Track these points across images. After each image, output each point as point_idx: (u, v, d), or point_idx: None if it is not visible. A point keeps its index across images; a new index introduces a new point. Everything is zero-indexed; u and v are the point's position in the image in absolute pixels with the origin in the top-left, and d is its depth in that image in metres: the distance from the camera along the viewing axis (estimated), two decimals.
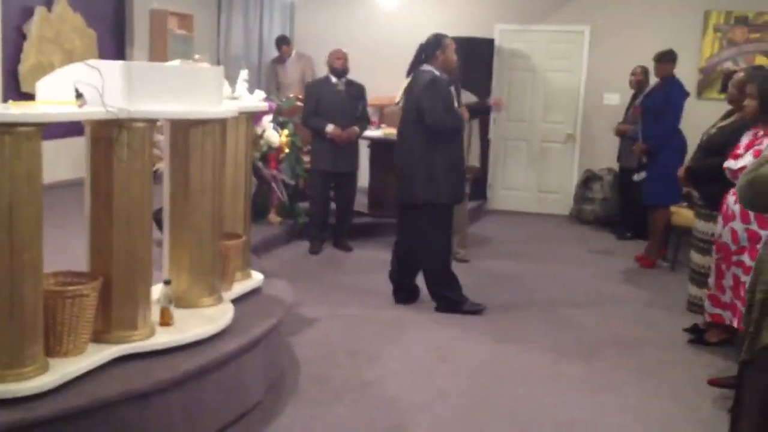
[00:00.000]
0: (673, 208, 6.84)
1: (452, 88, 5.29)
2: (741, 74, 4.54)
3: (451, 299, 5.35)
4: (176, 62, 3.74)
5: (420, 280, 5.52)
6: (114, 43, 8.57)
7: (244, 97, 4.56)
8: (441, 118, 5.11)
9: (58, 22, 7.42)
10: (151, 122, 3.19)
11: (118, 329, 3.19)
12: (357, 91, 6.92)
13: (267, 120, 5.05)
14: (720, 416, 3.83)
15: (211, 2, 10.23)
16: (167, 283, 3.47)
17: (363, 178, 8.04)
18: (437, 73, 5.16)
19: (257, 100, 4.64)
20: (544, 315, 5.48)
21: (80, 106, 2.93)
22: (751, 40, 8.62)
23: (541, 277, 6.53)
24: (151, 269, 3.32)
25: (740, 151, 3.93)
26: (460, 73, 6.17)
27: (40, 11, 7.18)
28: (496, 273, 6.58)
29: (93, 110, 2.94)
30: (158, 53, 8.73)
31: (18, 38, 7.02)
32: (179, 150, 3.61)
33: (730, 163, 3.94)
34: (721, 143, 4.37)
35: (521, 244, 7.89)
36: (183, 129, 3.58)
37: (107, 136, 3.06)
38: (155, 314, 3.41)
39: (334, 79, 6.83)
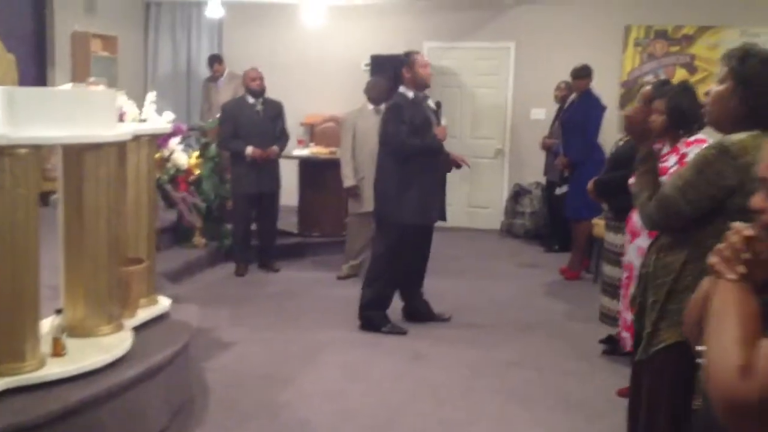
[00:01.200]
0: (594, 221, 6.93)
1: (428, 106, 5.29)
2: (648, 87, 4.61)
3: (373, 319, 5.33)
4: (67, 86, 3.68)
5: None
6: (35, 67, 8.40)
7: (152, 119, 4.51)
8: (402, 143, 5.10)
9: None
10: (36, 148, 3.11)
11: (4, 362, 3.09)
12: (275, 110, 6.89)
13: (175, 142, 4.99)
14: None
15: (137, 23, 10.13)
16: (59, 312, 3.38)
17: (293, 197, 8.01)
18: (410, 94, 5.17)
19: (165, 122, 4.58)
20: (464, 330, 5.50)
21: None
22: (670, 54, 8.82)
23: (467, 293, 6.55)
24: (39, 298, 3.23)
25: None
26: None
27: None
28: (424, 288, 6.57)
29: None
30: (81, 76, 8.57)
31: None
32: (73, 175, 3.53)
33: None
34: (628, 156, 4.42)
35: (450, 259, 7.90)
36: (76, 154, 3.51)
37: None
38: (47, 345, 3.33)
39: (251, 100, 6.79)
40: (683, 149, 3.81)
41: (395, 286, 5.46)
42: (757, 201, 1.45)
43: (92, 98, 3.57)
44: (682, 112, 3.83)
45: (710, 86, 2.54)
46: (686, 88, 4.04)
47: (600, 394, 4.33)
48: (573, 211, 7.01)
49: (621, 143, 4.86)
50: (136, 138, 3.98)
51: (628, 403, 2.86)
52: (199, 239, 6.98)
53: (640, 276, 2.80)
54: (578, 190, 6.85)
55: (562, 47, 8.96)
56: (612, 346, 4.94)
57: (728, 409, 1.26)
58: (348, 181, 6.57)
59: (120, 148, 3.78)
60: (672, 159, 3.84)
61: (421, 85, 5.24)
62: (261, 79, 6.75)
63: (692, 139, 3.80)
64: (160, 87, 9.54)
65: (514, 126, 9.45)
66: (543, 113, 9.00)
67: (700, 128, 3.84)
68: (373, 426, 3.88)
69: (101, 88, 3.84)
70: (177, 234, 6.95)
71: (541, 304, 6.29)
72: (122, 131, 3.71)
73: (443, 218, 5.52)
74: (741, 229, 1.42)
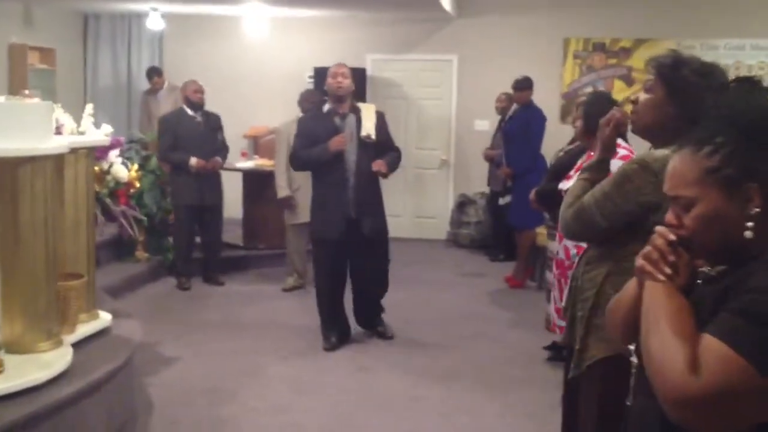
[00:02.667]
0: (538, 230, 7.02)
1: (337, 119, 5.13)
2: (582, 98, 4.72)
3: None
4: (1, 98, 3.59)
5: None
6: None
7: (90, 131, 4.43)
8: (291, 155, 5.36)
9: None
10: None
11: None
12: (215, 122, 6.87)
13: (114, 155, 4.93)
14: None
15: (76, 36, 9.95)
16: None
17: (236, 209, 7.95)
18: (326, 107, 5.21)
19: (103, 135, 4.51)
20: (409, 340, 5.52)
21: None
22: (609, 66, 9.01)
23: (412, 303, 6.56)
24: None
25: (572, 172, 4.07)
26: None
27: None
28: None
29: None
30: (18, 89, 8.39)
31: None
32: (6, 189, 3.44)
33: (563, 184, 4.07)
34: (564, 166, 4.51)
35: (396, 270, 7.88)
36: (10, 167, 3.42)
37: None
38: None
39: (190, 112, 6.73)
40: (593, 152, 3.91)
41: (327, 301, 5.33)
42: (669, 218, 1.48)
43: (27, 110, 3.49)
44: (595, 118, 3.93)
45: (637, 93, 2.51)
46: (602, 95, 4.16)
47: (546, 400, 4.37)
48: (517, 220, 7.10)
49: (561, 153, 4.95)
50: (74, 151, 3.92)
51: (561, 417, 2.86)
52: (141, 253, 6.88)
53: (570, 288, 2.80)
54: (522, 199, 6.92)
55: (503, 60, 9.08)
56: (556, 353, 5.00)
57: (679, 404, 1.29)
58: (282, 191, 6.56)
59: (57, 161, 3.71)
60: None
61: (332, 96, 5.15)
62: (202, 91, 6.71)
63: None
64: (100, 99, 9.41)
65: (459, 137, 9.54)
66: (486, 124, 9.09)
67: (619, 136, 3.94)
68: None
69: (36, 100, 3.75)
70: (118, 248, 6.84)
71: (485, 313, 6.34)
72: (58, 144, 3.64)
73: (372, 232, 5.20)
74: (665, 233, 1.46)
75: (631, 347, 1.54)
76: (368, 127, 5.09)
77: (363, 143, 5.09)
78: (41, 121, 3.53)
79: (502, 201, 7.33)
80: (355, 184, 5.09)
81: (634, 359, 1.60)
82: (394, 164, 5.30)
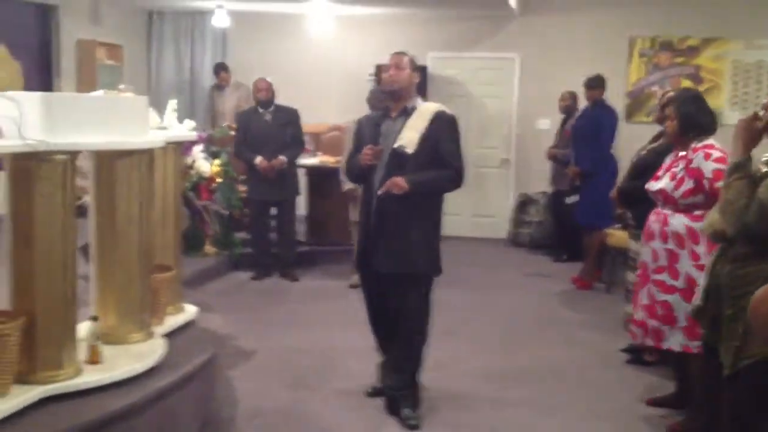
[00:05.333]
0: (607, 230, 6.94)
1: (387, 122, 4.02)
2: (670, 94, 4.64)
3: None
4: (99, 93, 3.65)
5: None
6: (40, 74, 8.35)
7: (173, 126, 4.48)
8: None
9: None
10: (73, 154, 3.09)
11: (42, 369, 3.06)
12: (286, 118, 6.92)
13: (197, 150, 4.97)
14: None
15: (141, 32, 10.09)
16: (94, 319, 3.35)
17: (301, 206, 7.98)
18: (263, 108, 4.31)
19: (186, 130, 4.55)
20: (477, 342, 5.47)
21: None
22: (675, 64, 8.87)
23: (475, 303, 6.52)
24: (76, 306, 3.20)
25: (660, 173, 4.01)
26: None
27: None
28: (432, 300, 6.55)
29: (10, 143, 2.83)
30: (86, 84, 8.53)
31: None
32: (104, 182, 3.51)
33: (651, 185, 4.01)
34: (647, 165, 4.45)
35: (457, 269, 7.82)
36: (108, 160, 3.48)
37: (26, 169, 2.96)
38: (83, 352, 3.29)
39: (260, 109, 6.86)
40: (690, 155, 3.84)
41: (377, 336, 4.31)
42: None
43: (125, 105, 3.54)
44: (690, 117, 3.86)
45: None
46: (696, 95, 4.08)
47: (627, 404, 4.31)
48: (585, 220, 7.01)
49: (644, 152, 4.88)
50: (163, 146, 3.96)
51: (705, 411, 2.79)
52: (210, 248, 6.95)
53: (708, 288, 2.74)
54: (591, 199, 6.88)
55: (567, 58, 9.00)
56: (636, 355, 4.93)
57: None
58: (346, 184, 6.54)
59: (148, 155, 3.76)
60: (680, 165, 3.87)
61: (385, 90, 4.10)
62: (267, 89, 6.81)
63: (700, 144, 3.83)
64: (164, 95, 9.50)
65: (520, 136, 9.47)
66: (548, 123, 9.02)
67: (708, 134, 3.87)
68: None
69: (130, 95, 3.80)
70: (186, 242, 6.90)
71: (555, 314, 6.27)
72: (154, 138, 3.68)
73: (384, 267, 3.97)
74: None
75: None
76: (406, 137, 3.87)
77: (396, 156, 3.88)
78: (137, 116, 3.58)
79: (568, 200, 7.25)
80: (378, 208, 3.93)
81: None
82: (429, 185, 3.90)
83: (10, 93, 2.95)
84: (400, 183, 3.77)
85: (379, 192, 3.83)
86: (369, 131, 4.07)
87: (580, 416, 4.16)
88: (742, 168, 2.64)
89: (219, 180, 6.06)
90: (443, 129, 3.91)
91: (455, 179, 3.93)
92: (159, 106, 4.63)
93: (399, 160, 3.86)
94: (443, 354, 5.10)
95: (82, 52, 8.72)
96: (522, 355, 5.17)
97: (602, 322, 5.88)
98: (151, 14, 10.14)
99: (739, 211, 2.55)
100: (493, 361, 5.05)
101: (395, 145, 3.87)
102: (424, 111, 3.93)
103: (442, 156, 3.88)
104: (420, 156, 3.84)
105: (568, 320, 6.08)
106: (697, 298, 2.89)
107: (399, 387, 4.04)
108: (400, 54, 3.99)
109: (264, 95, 6.81)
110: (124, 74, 9.24)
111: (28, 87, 7.85)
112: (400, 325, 4.02)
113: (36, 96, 2.99)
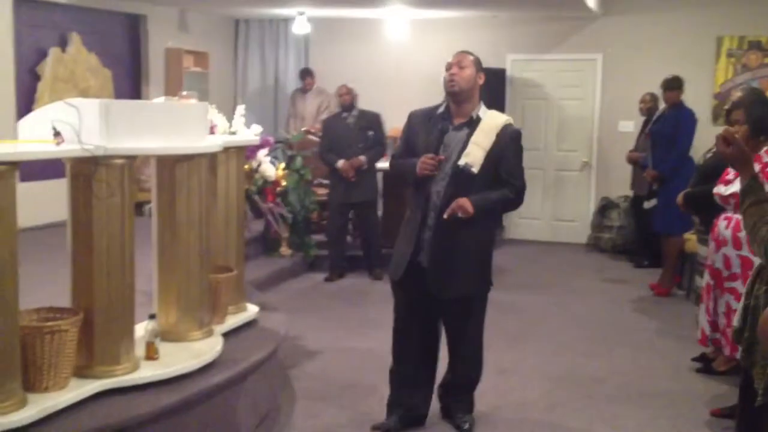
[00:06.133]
0: (686, 235, 6.73)
1: (450, 129, 3.69)
2: (736, 96, 4.47)
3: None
4: (160, 99, 3.80)
5: None
6: (130, 82, 8.73)
7: (241, 131, 4.61)
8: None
9: (72, 62, 7.58)
10: (130, 159, 3.23)
11: (100, 364, 3.20)
12: (367, 121, 7.10)
13: (263, 154, 5.11)
14: None
15: (227, 40, 10.40)
16: (152, 317, 3.48)
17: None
18: (441, 107, 3.75)
19: (253, 135, 4.68)
20: (547, 345, 5.42)
21: (58, 144, 2.98)
22: (765, 65, 8.53)
23: (550, 307, 6.45)
24: (134, 304, 3.34)
25: (729, 176, 3.87)
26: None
27: (54, 52, 7.35)
28: (504, 303, 6.47)
29: (69, 148, 2.98)
30: (174, 90, 8.85)
31: (32, 79, 7.18)
32: (165, 185, 3.64)
33: (720, 189, 3.88)
34: (713, 168, 4.32)
35: (534, 273, 7.82)
36: (169, 165, 3.62)
37: (86, 174, 3.10)
38: (141, 349, 3.43)
39: (344, 113, 7.10)
40: (765, 158, 3.69)
41: (398, 362, 3.95)
42: None
43: (185, 111, 3.67)
44: (762, 120, 3.71)
45: None
46: (763, 97, 3.92)
47: (693, 413, 4.19)
48: (664, 225, 6.83)
49: (709, 155, 4.73)
50: (226, 149, 4.09)
51: None
52: (285, 250, 7.11)
53: (745, 308, 2.63)
54: (669, 204, 6.66)
55: (650, 58, 8.78)
56: (706, 365, 4.78)
57: None
58: None
59: (211, 159, 3.89)
60: (755, 167, 3.72)
61: (446, 94, 3.74)
62: (348, 93, 7.03)
63: None
64: (249, 101, 9.76)
65: (601, 138, 9.30)
66: (631, 125, 8.81)
67: None
68: None
69: (193, 101, 3.94)
70: (264, 244, 7.11)
71: (629, 320, 6.13)
72: (213, 143, 3.80)
73: (446, 291, 3.70)
74: None
75: None
76: (473, 154, 3.59)
77: (458, 172, 3.60)
78: (197, 121, 3.70)
79: (647, 205, 7.07)
80: (435, 225, 3.64)
81: None
82: (492, 207, 3.70)
83: (70, 100, 3.11)
84: (466, 207, 3.50)
85: (445, 216, 3.53)
86: (425, 132, 3.72)
87: (641, 424, 4.06)
88: (751, 193, 2.47)
89: (284, 183, 6.19)
90: (509, 145, 3.64)
91: (517, 200, 3.71)
92: (245, 111, 4.78)
93: (463, 177, 3.57)
94: (510, 357, 5.09)
95: (170, 60, 9.06)
96: (589, 361, 5.08)
97: (676, 330, 5.72)
98: (237, 22, 10.43)
99: (761, 239, 2.37)
100: (559, 365, 4.98)
101: (461, 163, 3.58)
102: (491, 124, 3.64)
103: (505, 172, 3.63)
104: (484, 173, 3.59)
105: (642, 327, 5.93)
106: (736, 320, 2.76)
107: (465, 409, 3.96)
108: (464, 53, 3.75)
109: (345, 99, 7.06)
110: (210, 81, 9.54)
111: (119, 94, 8.22)
112: (457, 347, 3.84)
113: (95, 103, 3.13)
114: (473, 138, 3.59)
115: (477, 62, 3.73)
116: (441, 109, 3.75)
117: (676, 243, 6.76)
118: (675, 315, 6.21)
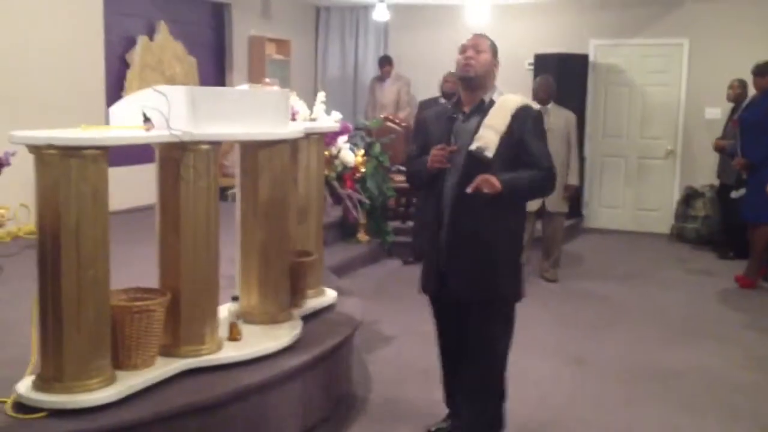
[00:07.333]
0: None
1: (459, 117, 3.39)
2: None
3: None
4: (243, 86, 3.88)
5: None
6: (214, 69, 8.91)
7: (321, 118, 4.68)
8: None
9: (160, 50, 7.79)
10: (215, 144, 3.31)
11: (185, 344, 3.31)
12: None
13: (342, 140, 5.19)
14: None
15: (309, 28, 10.52)
16: (235, 299, 3.58)
17: None
18: (442, 99, 3.46)
19: (333, 122, 4.74)
20: (627, 336, 5.33)
21: (147, 130, 3.08)
22: None
23: (631, 298, 6.34)
24: (218, 286, 3.43)
25: None
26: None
27: (142, 40, 7.56)
28: (584, 293, 6.44)
29: (157, 134, 3.08)
30: (256, 77, 9.01)
31: (121, 67, 7.40)
32: (248, 170, 3.73)
33: None
34: None
35: (615, 263, 7.69)
36: (252, 150, 3.70)
37: (174, 159, 3.21)
38: (225, 330, 3.53)
39: (442, 100, 7.05)
40: None
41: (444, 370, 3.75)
42: None
43: (267, 98, 3.74)
44: None
45: None
46: None
47: None
48: (752, 215, 6.61)
49: None
50: (307, 136, 4.15)
51: None
52: (363, 236, 7.18)
53: None
54: (757, 193, 6.48)
55: (740, 44, 8.50)
56: None
57: None
58: None
59: (292, 145, 3.95)
60: None
61: (458, 80, 3.51)
62: (453, 82, 7.04)
63: None
64: (329, 88, 9.86)
65: (687, 126, 9.06)
66: (718, 112, 8.56)
67: None
68: (533, 429, 3.84)
69: (275, 88, 4.01)
70: (342, 230, 7.20)
71: (713, 313, 5.98)
72: (294, 129, 3.87)
73: (466, 295, 3.35)
74: None
75: None
76: (485, 137, 3.21)
77: (472, 160, 3.21)
78: (279, 108, 3.77)
79: (734, 194, 6.86)
80: (450, 222, 3.31)
81: None
82: (523, 186, 3.19)
83: (159, 87, 3.20)
84: (492, 181, 3.07)
85: (468, 190, 3.09)
86: (437, 128, 3.42)
87: (718, 416, 3.97)
88: None
89: (363, 170, 6.25)
90: (527, 125, 3.23)
91: (549, 182, 3.27)
92: (326, 98, 4.85)
93: (477, 165, 3.16)
94: (586, 349, 5.03)
95: (253, 48, 9.21)
96: (670, 353, 4.98)
97: (762, 323, 5.56)
98: (318, 9, 10.54)
99: None
100: (638, 357, 4.90)
101: (472, 147, 3.19)
102: (505, 105, 3.28)
103: (530, 155, 3.21)
104: (502, 160, 3.17)
105: (726, 319, 5.78)
106: None
107: (470, 422, 3.45)
108: (481, 36, 3.48)
109: (449, 87, 7.17)
110: (291, 68, 9.67)
111: (203, 81, 8.41)
112: (476, 352, 3.38)
113: (182, 90, 3.22)
114: (485, 121, 3.24)
115: (494, 47, 3.47)
116: (454, 100, 3.50)
117: (764, 233, 6.55)
118: (761, 307, 6.04)
